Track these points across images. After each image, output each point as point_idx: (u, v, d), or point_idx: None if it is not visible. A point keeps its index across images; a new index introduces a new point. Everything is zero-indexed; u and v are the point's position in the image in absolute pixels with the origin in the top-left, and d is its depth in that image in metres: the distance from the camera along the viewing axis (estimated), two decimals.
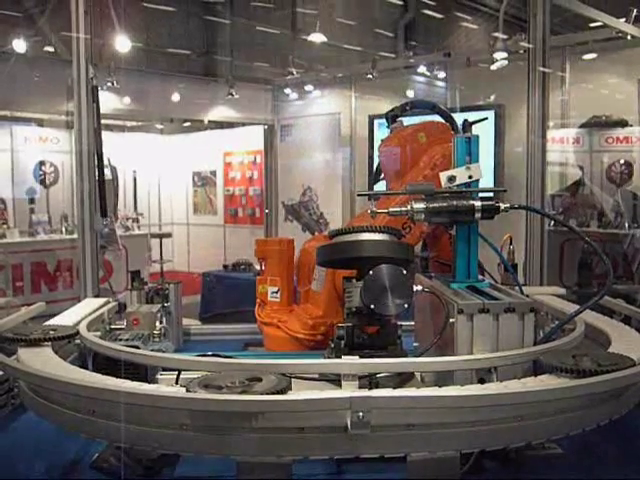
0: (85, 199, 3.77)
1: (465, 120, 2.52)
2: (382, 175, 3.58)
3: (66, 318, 2.56)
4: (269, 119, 10.33)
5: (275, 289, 3.32)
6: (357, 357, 1.95)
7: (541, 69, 3.94)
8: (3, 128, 9.19)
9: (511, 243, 3.15)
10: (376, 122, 8.05)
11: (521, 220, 4.03)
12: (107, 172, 3.99)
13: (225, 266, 7.16)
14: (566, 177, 8.18)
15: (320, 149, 9.79)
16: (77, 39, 3.66)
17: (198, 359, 1.99)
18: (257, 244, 3.41)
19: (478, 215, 2.25)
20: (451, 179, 2.34)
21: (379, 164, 3.57)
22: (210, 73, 10.88)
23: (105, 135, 3.87)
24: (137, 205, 10.48)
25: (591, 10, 6.86)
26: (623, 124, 7.89)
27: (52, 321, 2.48)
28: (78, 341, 2.34)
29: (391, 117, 3.51)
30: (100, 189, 3.79)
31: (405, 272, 2.13)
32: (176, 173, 11.90)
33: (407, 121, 3.52)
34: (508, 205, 2.27)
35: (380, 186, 3.65)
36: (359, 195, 2.77)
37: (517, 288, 2.50)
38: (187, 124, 12.02)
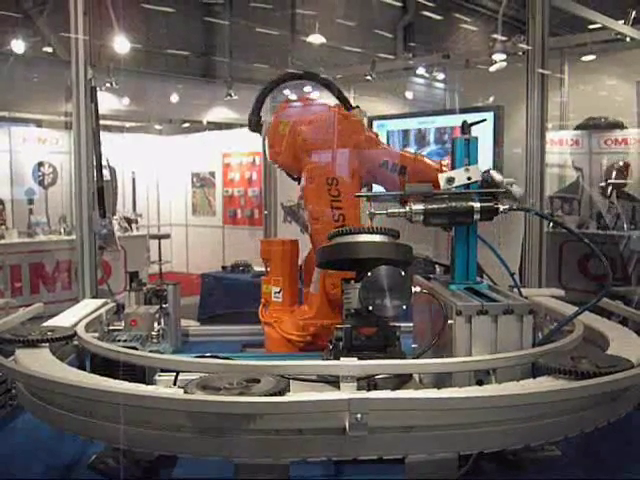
0: (84, 200, 3.77)
1: (464, 122, 2.52)
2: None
3: (64, 319, 2.56)
4: (268, 120, 10.31)
5: (278, 289, 3.31)
6: (355, 359, 1.95)
7: (540, 71, 3.94)
8: (1, 129, 9.19)
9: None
10: (375, 123, 8.06)
11: (520, 222, 4.03)
12: (106, 173, 3.99)
13: (224, 267, 7.14)
14: (565, 179, 8.20)
15: None
16: (76, 40, 3.66)
17: (196, 360, 1.98)
18: (262, 245, 3.41)
19: (477, 216, 2.25)
20: (450, 180, 2.34)
21: None
22: (209, 74, 10.89)
23: (104, 136, 3.87)
24: (136, 206, 10.48)
25: (590, 12, 6.88)
26: (620, 126, 7.91)
27: (50, 322, 2.48)
28: (76, 342, 2.34)
29: (254, 120, 3.23)
30: (99, 190, 3.78)
31: (404, 273, 2.12)
32: (175, 174, 11.90)
33: None
34: (507, 206, 2.27)
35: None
36: (357, 197, 2.74)
37: (516, 290, 2.50)
38: (186, 125, 12.02)
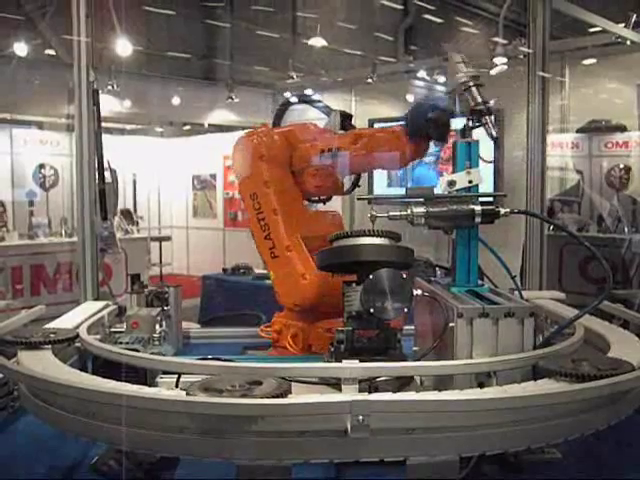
0: (85, 202, 3.77)
1: (465, 124, 2.52)
2: None
3: (66, 321, 2.56)
4: (269, 123, 10.32)
5: None
6: (357, 361, 1.95)
7: (541, 74, 3.94)
8: (3, 131, 9.20)
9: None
10: (376, 126, 8.08)
11: (521, 225, 4.04)
12: (107, 175, 3.98)
13: (224, 269, 7.15)
14: (565, 182, 8.21)
15: None
16: (78, 42, 3.66)
17: (198, 362, 1.99)
18: None
19: (478, 220, 2.26)
20: (451, 184, 2.35)
21: None
22: (210, 77, 10.90)
23: (105, 138, 3.87)
24: (136, 208, 10.49)
25: (591, 15, 6.88)
26: (621, 129, 7.91)
27: (52, 324, 2.48)
28: (78, 344, 2.34)
29: None
30: (100, 192, 3.79)
31: (405, 276, 2.13)
32: (176, 176, 11.90)
33: None
34: (508, 210, 2.28)
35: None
36: (359, 199, 2.75)
37: (517, 292, 2.51)
38: (187, 127, 12.04)
